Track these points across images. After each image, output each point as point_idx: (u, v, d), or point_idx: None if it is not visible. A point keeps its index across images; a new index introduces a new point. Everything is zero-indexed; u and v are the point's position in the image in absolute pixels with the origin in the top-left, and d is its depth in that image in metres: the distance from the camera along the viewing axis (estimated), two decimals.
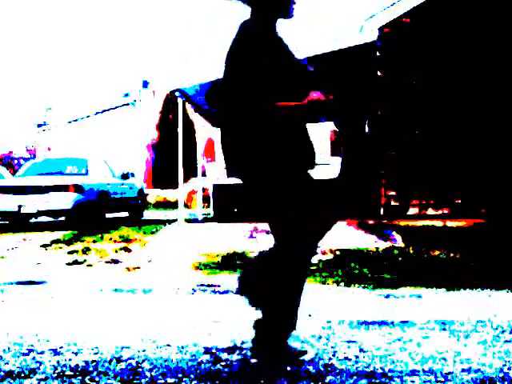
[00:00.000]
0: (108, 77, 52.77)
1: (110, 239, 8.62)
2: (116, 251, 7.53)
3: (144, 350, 3.14)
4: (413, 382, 2.59)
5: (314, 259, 6.53)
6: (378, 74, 9.99)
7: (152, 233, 9.46)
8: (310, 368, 2.79)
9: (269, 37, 2.93)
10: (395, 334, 3.44)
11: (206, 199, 16.69)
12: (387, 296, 4.75)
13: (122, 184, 14.21)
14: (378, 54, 9.97)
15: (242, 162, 2.92)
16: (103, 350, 3.14)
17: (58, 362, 2.95)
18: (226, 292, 4.99)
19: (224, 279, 5.62)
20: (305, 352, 2.96)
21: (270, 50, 2.87)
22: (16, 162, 30.22)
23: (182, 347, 3.19)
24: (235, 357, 2.99)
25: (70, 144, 28.71)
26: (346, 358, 2.95)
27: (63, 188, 11.62)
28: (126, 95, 29.84)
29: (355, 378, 2.65)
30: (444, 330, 3.55)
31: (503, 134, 9.63)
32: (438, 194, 9.87)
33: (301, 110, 2.85)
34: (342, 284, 5.30)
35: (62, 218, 12.22)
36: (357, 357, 2.98)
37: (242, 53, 2.85)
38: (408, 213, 9.90)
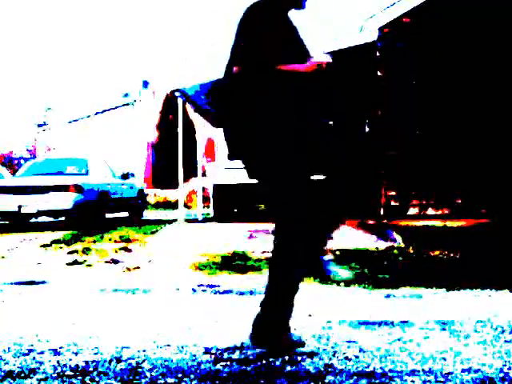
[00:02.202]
0: (108, 77, 52.77)
1: (110, 239, 8.63)
2: (116, 251, 7.53)
3: (144, 350, 3.14)
4: (413, 382, 2.59)
5: None
6: (378, 74, 9.99)
7: (152, 233, 9.46)
8: (310, 368, 2.79)
9: (279, 14, 3.03)
10: (395, 334, 3.44)
11: (205, 199, 16.69)
12: (387, 296, 4.75)
13: (122, 184, 14.22)
14: (377, 54, 9.97)
15: (246, 142, 2.97)
16: (103, 350, 3.14)
17: (58, 361, 2.95)
18: (226, 292, 4.99)
19: (224, 279, 5.62)
20: (303, 343, 3.04)
21: (279, 25, 2.98)
22: (16, 162, 30.22)
23: (182, 347, 3.19)
24: (235, 357, 2.99)
25: (70, 144, 28.71)
26: (346, 358, 2.95)
27: (63, 188, 11.63)
28: (126, 95, 29.82)
29: (355, 378, 2.65)
30: (444, 330, 3.55)
31: (503, 134, 9.63)
32: (438, 194, 9.87)
33: (302, 74, 2.94)
34: (342, 284, 5.30)
35: (62, 218, 12.23)
36: (357, 357, 2.98)
37: (252, 25, 2.93)
38: (408, 213, 9.90)
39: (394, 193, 9.96)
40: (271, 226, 3.04)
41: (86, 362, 2.93)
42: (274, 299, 2.98)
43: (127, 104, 29.05)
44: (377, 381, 2.60)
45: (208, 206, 15.27)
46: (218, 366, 2.84)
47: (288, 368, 2.79)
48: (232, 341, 3.28)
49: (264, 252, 6.91)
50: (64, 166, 13.24)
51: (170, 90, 12.51)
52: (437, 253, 6.79)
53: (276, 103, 2.94)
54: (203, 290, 5.07)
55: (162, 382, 2.63)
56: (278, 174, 2.93)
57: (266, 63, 2.90)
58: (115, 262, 6.83)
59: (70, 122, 30.48)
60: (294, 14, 3.15)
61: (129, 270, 6.34)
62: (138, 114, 28.25)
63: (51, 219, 12.76)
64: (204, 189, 15.87)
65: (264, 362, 2.89)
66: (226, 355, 3.02)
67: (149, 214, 16.78)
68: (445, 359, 2.91)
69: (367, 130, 11.98)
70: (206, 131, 17.23)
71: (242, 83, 2.95)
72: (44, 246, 8.25)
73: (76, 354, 3.09)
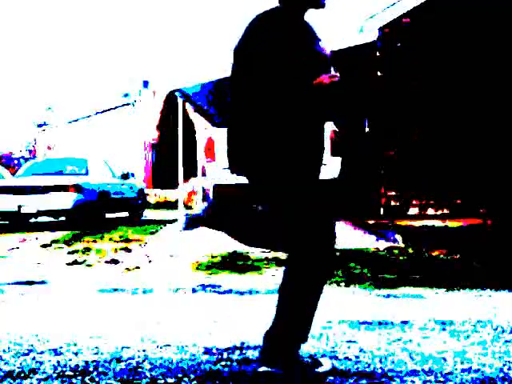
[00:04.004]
0: (108, 77, 52.78)
1: (110, 239, 8.62)
2: (116, 251, 7.52)
3: (144, 350, 3.14)
4: (413, 382, 2.59)
5: None
6: (378, 74, 9.99)
7: (152, 233, 9.46)
8: None
9: (295, 22, 2.72)
10: (395, 334, 3.44)
11: (206, 199, 16.69)
12: (387, 296, 4.75)
13: (122, 184, 14.21)
14: (377, 54, 9.97)
15: (250, 159, 2.65)
16: (103, 350, 3.14)
17: (58, 361, 2.95)
18: (226, 292, 4.99)
19: (224, 279, 5.62)
20: (319, 364, 2.74)
21: (295, 35, 2.67)
22: (16, 161, 30.25)
23: (182, 347, 3.19)
24: (235, 357, 2.99)
25: (70, 144, 28.72)
26: (346, 358, 2.95)
27: (63, 188, 11.63)
28: (126, 95, 29.80)
29: (355, 377, 2.65)
30: (444, 329, 3.55)
31: (503, 133, 9.63)
32: (438, 194, 9.86)
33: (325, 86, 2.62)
34: (342, 284, 5.30)
35: (62, 218, 12.22)
36: (357, 357, 2.98)
37: (267, 36, 2.56)
38: (408, 213, 9.90)
39: (393, 193, 9.95)
40: None
41: (86, 362, 2.93)
42: (285, 322, 2.71)
43: (127, 104, 29.03)
44: (377, 381, 2.60)
45: None
46: (218, 366, 2.84)
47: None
48: (232, 341, 3.28)
49: (263, 252, 6.91)
50: (64, 166, 13.24)
51: (169, 90, 12.52)
52: (437, 253, 6.79)
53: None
54: (203, 290, 5.07)
55: (162, 382, 2.63)
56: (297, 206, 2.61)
57: (304, 82, 2.56)
58: (115, 262, 6.83)
59: (69, 122, 30.49)
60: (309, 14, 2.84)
61: (129, 270, 6.34)
62: (138, 114, 28.24)
63: (51, 219, 12.75)
64: (204, 189, 15.88)
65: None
66: (225, 355, 3.02)
67: (149, 214, 16.77)
68: (445, 359, 2.91)
69: (367, 130, 11.98)
70: (206, 131, 17.24)
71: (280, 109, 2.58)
72: (44, 245, 8.25)
73: (76, 354, 3.09)
